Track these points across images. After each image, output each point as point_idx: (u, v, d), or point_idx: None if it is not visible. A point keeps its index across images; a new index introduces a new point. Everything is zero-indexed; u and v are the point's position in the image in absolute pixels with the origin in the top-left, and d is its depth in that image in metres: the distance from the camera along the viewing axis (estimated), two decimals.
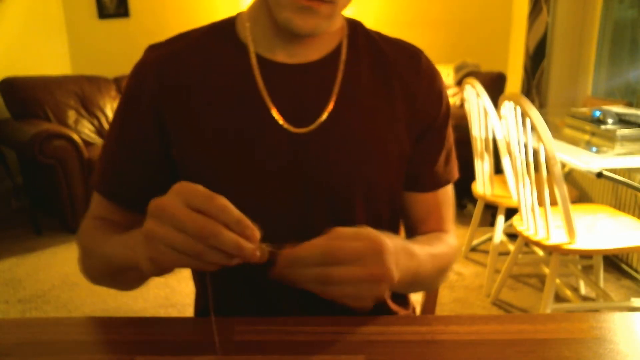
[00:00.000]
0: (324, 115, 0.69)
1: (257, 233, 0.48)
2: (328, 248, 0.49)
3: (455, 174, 0.80)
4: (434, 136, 0.75)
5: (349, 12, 0.73)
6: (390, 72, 0.73)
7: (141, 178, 0.72)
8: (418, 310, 0.95)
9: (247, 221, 0.48)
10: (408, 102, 0.72)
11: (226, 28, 0.72)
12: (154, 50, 0.71)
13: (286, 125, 0.68)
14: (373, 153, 0.71)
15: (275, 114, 0.68)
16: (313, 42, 0.69)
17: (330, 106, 0.69)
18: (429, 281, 0.77)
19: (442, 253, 0.73)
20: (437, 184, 0.77)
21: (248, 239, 0.47)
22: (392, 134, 0.72)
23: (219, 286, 0.78)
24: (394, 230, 0.80)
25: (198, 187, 0.49)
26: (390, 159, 0.72)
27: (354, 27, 0.74)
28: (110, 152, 0.73)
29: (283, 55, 0.69)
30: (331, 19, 0.63)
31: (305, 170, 0.69)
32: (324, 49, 0.71)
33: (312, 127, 0.68)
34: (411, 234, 0.79)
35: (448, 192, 0.80)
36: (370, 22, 0.77)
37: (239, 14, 0.73)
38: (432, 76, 0.75)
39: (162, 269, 0.52)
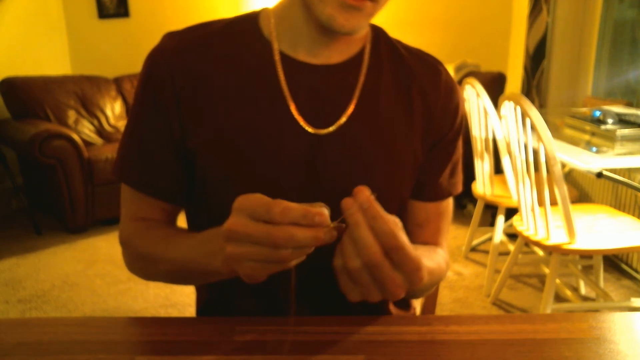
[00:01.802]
0: (343, 119, 0.68)
1: (325, 215, 0.48)
2: (400, 243, 0.48)
3: (459, 187, 0.80)
4: (443, 148, 0.76)
5: None
6: (411, 81, 0.73)
7: (172, 166, 0.71)
8: (418, 310, 0.96)
9: (312, 209, 0.47)
10: (425, 113, 0.73)
11: (249, 22, 0.71)
12: (172, 38, 0.70)
13: (304, 125, 0.68)
14: (387, 160, 0.71)
15: (294, 112, 0.67)
16: (338, 44, 0.69)
17: (350, 110, 0.69)
18: (417, 295, 0.78)
19: (437, 269, 0.73)
20: (439, 195, 0.78)
21: (320, 224, 0.47)
22: (408, 142, 0.72)
23: (220, 286, 0.79)
24: None
25: (255, 198, 0.49)
26: (404, 167, 0.72)
27: (377, 34, 0.74)
28: (136, 143, 0.72)
29: (306, 55, 0.69)
30: (371, 17, 0.63)
31: (318, 170, 0.69)
32: (347, 53, 0.71)
33: (331, 129, 0.68)
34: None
35: (448, 205, 0.80)
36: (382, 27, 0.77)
37: (263, 10, 0.72)
38: (451, 90, 0.75)
39: (261, 278, 0.53)
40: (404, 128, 0.72)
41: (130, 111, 0.73)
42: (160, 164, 0.71)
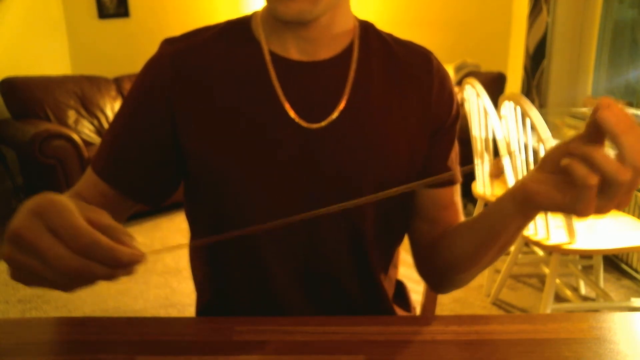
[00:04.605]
0: (335, 114, 0.69)
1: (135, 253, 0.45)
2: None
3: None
4: (446, 134, 0.76)
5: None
6: (402, 72, 0.73)
7: (145, 167, 0.72)
8: (418, 310, 0.96)
9: (120, 250, 0.43)
10: (421, 102, 0.73)
11: (242, 26, 0.73)
12: (170, 44, 0.72)
13: (299, 121, 0.69)
14: (383, 152, 0.71)
15: (288, 109, 0.69)
16: (323, 40, 0.70)
17: (342, 105, 0.70)
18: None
19: None
20: (451, 179, 0.78)
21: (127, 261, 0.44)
22: (403, 133, 0.72)
23: (221, 286, 0.79)
24: (403, 230, 0.80)
25: (62, 208, 0.43)
26: (401, 158, 0.73)
27: (366, 28, 0.75)
28: (116, 138, 0.73)
29: (295, 53, 0.70)
30: (316, 4, 0.63)
31: (315, 163, 0.69)
32: (336, 48, 0.72)
33: (324, 123, 0.69)
34: (427, 231, 0.78)
35: (459, 192, 0.80)
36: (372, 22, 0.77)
37: (254, 13, 0.74)
38: (443, 77, 0.76)
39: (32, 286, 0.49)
40: (398, 118, 0.72)
41: (119, 109, 0.74)
42: (127, 157, 0.71)
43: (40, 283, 0.46)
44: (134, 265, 0.45)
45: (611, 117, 0.46)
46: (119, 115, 0.73)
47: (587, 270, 2.30)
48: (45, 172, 2.94)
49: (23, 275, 0.47)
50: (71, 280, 0.45)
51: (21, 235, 0.43)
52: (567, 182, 0.50)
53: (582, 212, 0.49)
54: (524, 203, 0.56)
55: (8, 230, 0.44)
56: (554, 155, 0.53)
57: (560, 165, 0.49)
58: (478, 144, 2.28)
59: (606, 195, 0.48)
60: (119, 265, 0.44)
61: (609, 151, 0.48)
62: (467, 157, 2.29)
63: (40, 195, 0.45)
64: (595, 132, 0.48)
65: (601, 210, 0.49)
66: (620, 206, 0.49)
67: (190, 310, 0.84)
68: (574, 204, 0.49)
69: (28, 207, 0.44)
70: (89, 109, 3.49)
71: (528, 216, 0.59)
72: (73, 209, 0.44)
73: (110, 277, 0.45)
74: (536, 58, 3.16)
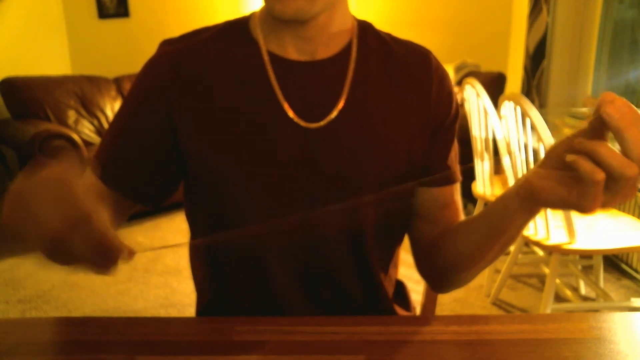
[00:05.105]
0: (334, 113, 0.70)
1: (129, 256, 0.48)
2: None
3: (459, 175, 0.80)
4: (445, 133, 0.76)
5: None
6: (402, 72, 0.74)
7: (145, 167, 0.72)
8: (418, 310, 0.96)
9: (111, 234, 0.46)
10: (420, 101, 0.73)
11: (240, 26, 0.74)
12: (168, 45, 0.73)
13: (298, 121, 0.69)
14: (382, 151, 0.71)
15: (287, 108, 0.69)
16: (321, 39, 0.70)
17: (341, 104, 0.70)
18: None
19: None
20: (451, 178, 0.78)
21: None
22: (403, 132, 0.72)
23: (221, 286, 0.79)
24: (404, 230, 0.80)
25: (67, 183, 0.45)
26: (401, 157, 0.73)
27: (364, 28, 0.75)
28: (116, 138, 0.73)
29: (294, 53, 0.70)
30: (314, 2, 0.63)
31: (315, 163, 0.70)
32: (334, 48, 0.72)
33: (323, 123, 0.69)
34: (428, 230, 0.78)
35: (459, 191, 0.80)
36: (371, 22, 0.77)
37: (252, 13, 0.74)
38: (442, 76, 0.76)
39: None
40: (397, 118, 0.72)
41: (118, 110, 0.74)
42: (127, 157, 0.72)
43: (25, 244, 0.47)
44: (118, 259, 0.46)
45: (615, 111, 0.46)
46: (118, 116, 0.73)
47: (587, 270, 2.30)
48: None
49: (11, 233, 0.47)
50: (52, 248, 0.45)
51: (20, 195, 0.45)
52: (571, 178, 0.50)
53: (588, 208, 0.48)
54: (528, 199, 0.56)
55: (9, 190, 0.46)
56: (557, 151, 0.52)
57: (564, 161, 0.49)
58: (478, 144, 2.28)
59: (612, 190, 0.47)
60: (104, 250, 0.45)
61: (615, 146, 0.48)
62: (467, 157, 2.30)
63: (53, 167, 0.47)
64: (598, 127, 0.48)
65: (606, 205, 0.49)
66: (625, 200, 0.49)
67: (190, 310, 0.84)
68: (580, 200, 0.48)
69: (37, 176, 0.46)
70: (89, 109, 3.49)
71: (533, 211, 0.59)
72: (78, 190, 0.45)
73: (89, 261, 0.45)
74: (536, 58, 3.16)
